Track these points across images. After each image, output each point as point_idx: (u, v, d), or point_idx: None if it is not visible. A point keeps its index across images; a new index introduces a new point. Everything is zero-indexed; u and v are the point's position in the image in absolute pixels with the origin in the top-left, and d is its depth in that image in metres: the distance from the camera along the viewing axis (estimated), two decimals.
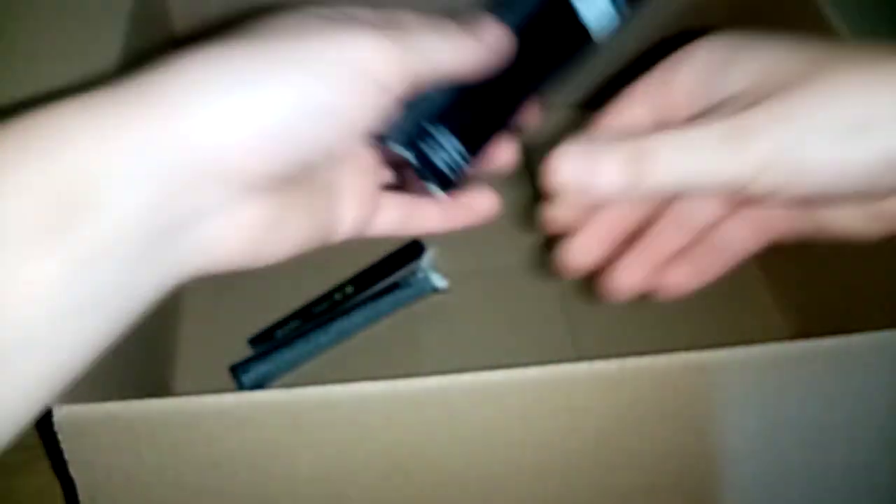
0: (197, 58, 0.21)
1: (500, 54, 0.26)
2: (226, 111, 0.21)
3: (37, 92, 0.31)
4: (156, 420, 0.27)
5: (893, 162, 0.22)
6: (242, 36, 0.22)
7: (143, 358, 0.40)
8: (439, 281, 0.49)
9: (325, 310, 0.49)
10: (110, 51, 0.33)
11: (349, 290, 0.50)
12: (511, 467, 0.31)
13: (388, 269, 0.51)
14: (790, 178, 0.22)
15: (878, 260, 0.39)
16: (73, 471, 0.27)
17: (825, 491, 0.33)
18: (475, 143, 0.28)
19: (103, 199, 0.19)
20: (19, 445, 0.20)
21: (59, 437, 0.26)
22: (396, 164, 0.29)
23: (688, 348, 0.28)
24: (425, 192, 0.28)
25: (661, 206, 0.28)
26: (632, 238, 0.28)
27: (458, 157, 0.27)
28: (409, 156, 0.27)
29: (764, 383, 0.30)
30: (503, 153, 0.29)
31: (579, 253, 0.27)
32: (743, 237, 0.28)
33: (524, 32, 0.27)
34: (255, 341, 0.48)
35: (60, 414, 0.26)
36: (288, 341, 0.47)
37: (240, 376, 0.45)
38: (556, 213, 0.27)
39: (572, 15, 0.27)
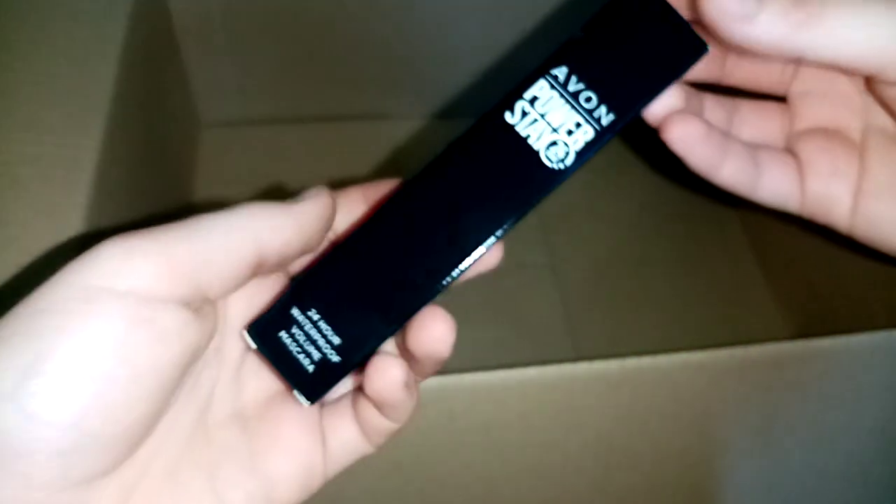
0: None
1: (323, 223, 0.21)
2: None
3: (37, 91, 0.31)
4: None
5: None
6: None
7: None
8: None
9: None
10: (110, 50, 0.33)
11: None
12: (511, 467, 0.31)
13: None
14: None
15: (878, 260, 0.39)
16: None
17: (825, 490, 0.33)
18: (360, 331, 0.21)
19: None
20: None
21: None
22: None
23: (688, 348, 0.28)
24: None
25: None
26: None
27: (328, 350, 0.21)
28: (262, 351, 0.22)
29: (764, 383, 0.30)
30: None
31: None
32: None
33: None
34: None
35: None
36: None
37: None
38: None
39: None
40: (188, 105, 0.49)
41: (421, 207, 0.21)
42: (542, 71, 0.22)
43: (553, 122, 0.22)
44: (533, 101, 0.22)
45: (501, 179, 0.21)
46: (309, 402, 0.22)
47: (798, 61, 0.22)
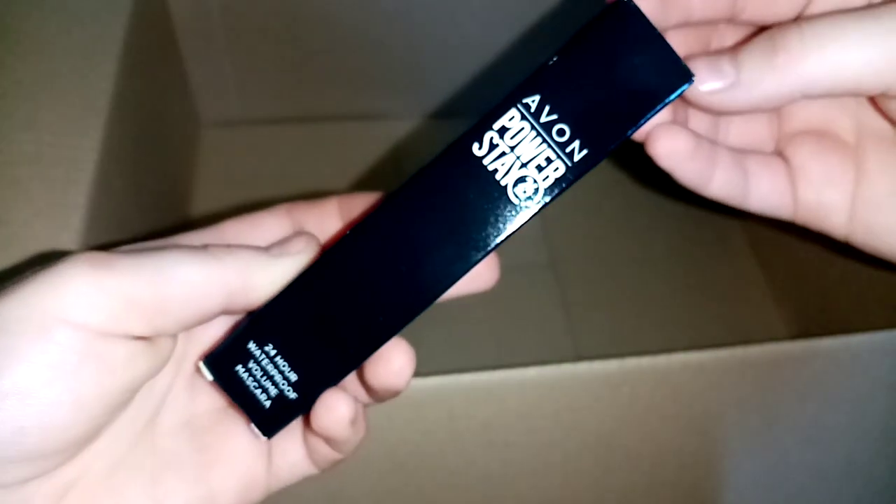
0: None
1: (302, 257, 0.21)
2: None
3: (37, 91, 0.31)
4: None
5: None
6: None
7: None
8: None
9: None
10: (110, 50, 0.33)
11: None
12: (511, 467, 0.31)
13: None
14: None
15: (877, 260, 0.38)
16: None
17: (825, 490, 0.33)
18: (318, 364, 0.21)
19: None
20: None
21: None
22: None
23: (688, 348, 0.28)
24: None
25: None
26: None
27: (284, 387, 0.21)
28: (219, 384, 0.21)
29: (764, 383, 0.30)
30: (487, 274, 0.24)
31: None
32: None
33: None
34: None
35: None
36: None
37: None
38: None
39: None
40: (188, 105, 0.49)
41: (383, 242, 0.20)
42: (513, 99, 0.20)
43: (523, 156, 0.20)
44: (502, 131, 0.20)
45: (467, 215, 0.20)
46: (266, 437, 0.21)
47: (805, 98, 0.21)
